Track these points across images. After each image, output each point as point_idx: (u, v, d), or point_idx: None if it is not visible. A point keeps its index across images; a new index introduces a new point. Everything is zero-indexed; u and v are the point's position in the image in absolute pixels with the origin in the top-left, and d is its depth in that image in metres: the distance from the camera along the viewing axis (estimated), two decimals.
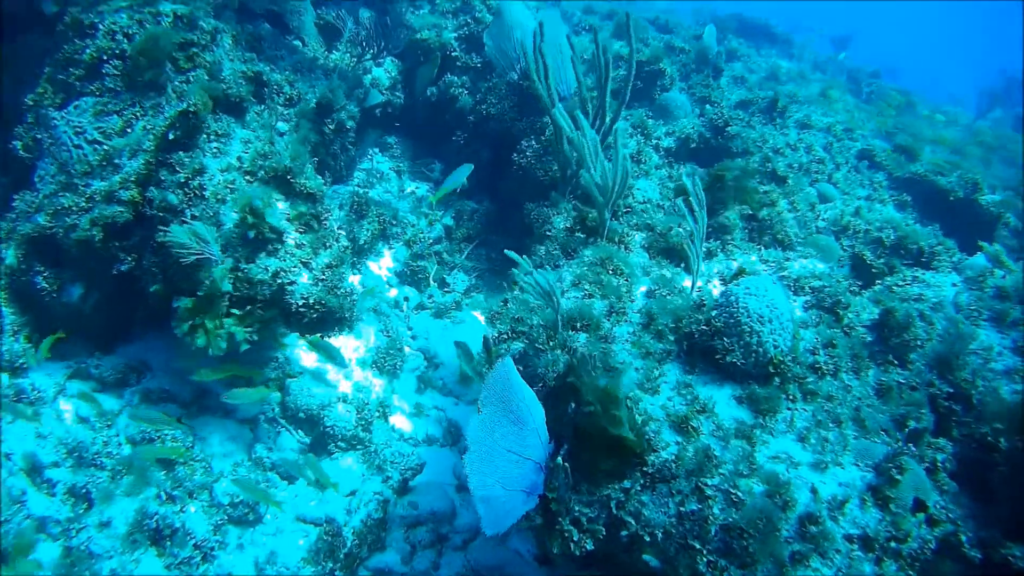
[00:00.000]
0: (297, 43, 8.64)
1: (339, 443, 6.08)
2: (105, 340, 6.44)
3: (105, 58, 5.95)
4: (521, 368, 4.28)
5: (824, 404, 4.69)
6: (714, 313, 4.53)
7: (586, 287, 5.10)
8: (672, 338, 4.79)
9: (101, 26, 6.04)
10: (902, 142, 9.15)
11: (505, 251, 4.45)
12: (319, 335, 5.90)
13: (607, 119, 6.78)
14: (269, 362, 6.49)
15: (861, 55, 15.86)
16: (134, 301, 6.15)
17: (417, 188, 8.80)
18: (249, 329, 5.40)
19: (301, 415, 6.24)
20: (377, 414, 6.35)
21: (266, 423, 6.26)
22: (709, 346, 4.57)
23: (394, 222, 8.01)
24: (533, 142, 7.74)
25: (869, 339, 5.67)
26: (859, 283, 6.93)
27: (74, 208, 5.59)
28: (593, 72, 7.01)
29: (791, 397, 4.60)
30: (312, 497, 5.88)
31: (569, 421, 3.90)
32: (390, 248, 7.97)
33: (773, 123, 8.69)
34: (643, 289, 5.41)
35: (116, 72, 5.94)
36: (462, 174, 6.79)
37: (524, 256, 6.07)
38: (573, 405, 3.94)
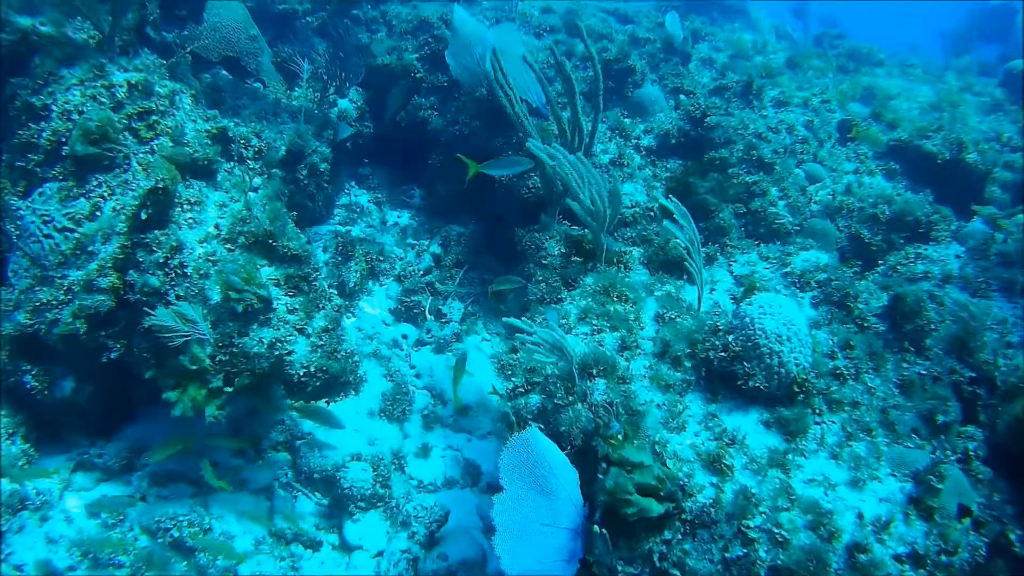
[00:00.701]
0: (257, 85, 8.41)
1: (359, 503, 5.92)
2: (106, 426, 6.25)
3: (63, 140, 5.71)
4: (542, 426, 4.14)
5: (851, 413, 4.58)
6: (731, 338, 4.40)
7: (594, 321, 4.95)
8: (689, 364, 4.67)
9: (54, 107, 5.79)
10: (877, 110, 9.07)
11: (504, 320, 4.25)
12: (325, 400, 5.71)
13: (585, 132, 6.62)
14: (275, 425, 6.34)
15: (824, 17, 15.78)
16: (131, 384, 5.96)
17: (400, 217, 8.61)
18: (220, 412, 5.22)
19: (316, 476, 6.09)
20: (393, 466, 6.20)
21: (281, 489, 6.11)
22: (730, 371, 4.44)
23: (381, 258, 7.83)
24: (513, 156, 7.55)
25: (882, 328, 5.57)
26: (859, 263, 6.82)
27: (53, 302, 5.36)
28: (563, 83, 6.81)
29: (817, 411, 4.49)
30: (340, 562, 5.73)
31: (601, 485, 3.76)
32: (381, 285, 7.80)
33: (751, 106, 8.54)
34: (651, 312, 5.28)
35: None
36: (514, 165, 6.52)
37: (521, 285, 5.97)
38: (604, 465, 3.79)
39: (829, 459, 4.28)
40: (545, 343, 3.98)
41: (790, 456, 4.17)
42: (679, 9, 11.16)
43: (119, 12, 6.29)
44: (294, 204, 7.27)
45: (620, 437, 3.82)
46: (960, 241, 6.81)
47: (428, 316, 7.52)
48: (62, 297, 5.40)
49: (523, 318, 4.65)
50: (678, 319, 4.99)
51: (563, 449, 3.93)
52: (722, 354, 4.42)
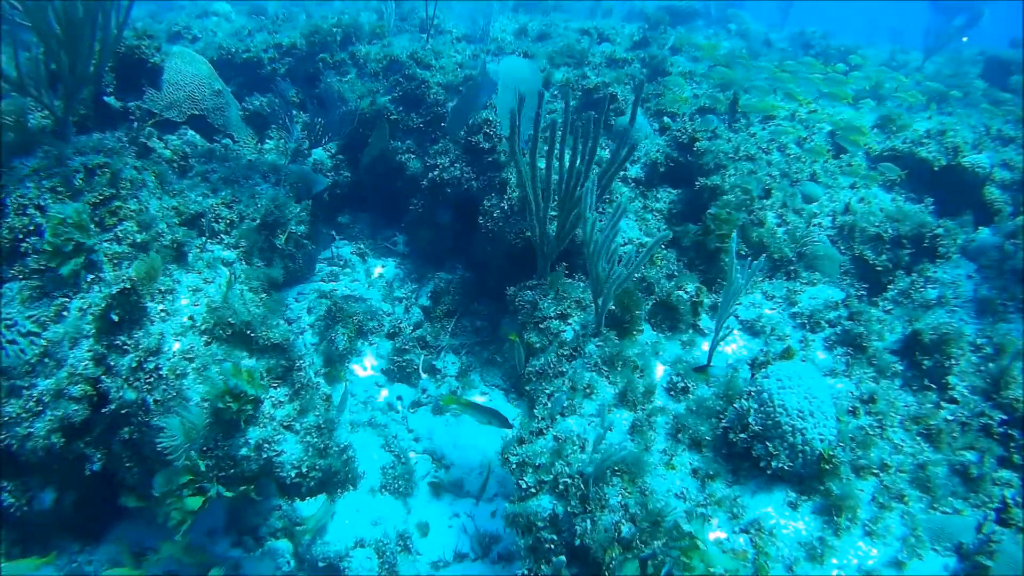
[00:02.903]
0: (227, 141, 8.07)
1: None
2: (95, 527, 5.92)
3: (21, 237, 5.37)
4: (555, 537, 3.83)
5: (881, 477, 4.30)
6: (750, 418, 4.09)
7: (599, 398, 4.63)
8: (708, 438, 4.36)
9: (8, 202, 5.44)
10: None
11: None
12: (328, 497, 5.37)
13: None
14: (272, 512, 6.03)
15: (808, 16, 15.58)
16: (117, 486, 5.62)
17: (384, 268, 8.28)
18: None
19: (320, 563, 5.77)
20: (399, 548, 5.88)
21: None
22: (751, 451, 4.13)
23: (369, 316, 7.49)
24: (497, 201, 7.24)
25: (900, 367, 5.30)
26: (865, 286, 6.56)
27: (24, 415, 5.02)
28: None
29: (844, 480, 4.19)
30: None
31: None
32: (371, 344, 7.47)
33: (737, 124, 8.24)
34: (661, 372, 4.99)
35: (37, 250, 5.36)
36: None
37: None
38: None
39: (864, 536, 3.99)
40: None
41: (826, 537, 3.87)
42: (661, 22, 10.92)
43: (72, 92, 5.95)
44: (272, 264, 6.92)
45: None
46: (970, 257, 6.54)
47: (422, 374, 7.20)
48: (33, 408, 5.06)
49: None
50: (692, 389, 4.69)
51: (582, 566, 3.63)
52: (742, 435, 4.11)
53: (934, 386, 5.16)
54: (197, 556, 5.65)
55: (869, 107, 9.33)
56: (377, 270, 8.26)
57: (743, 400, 4.19)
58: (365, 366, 7.31)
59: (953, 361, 5.23)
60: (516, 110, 5.57)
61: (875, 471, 4.32)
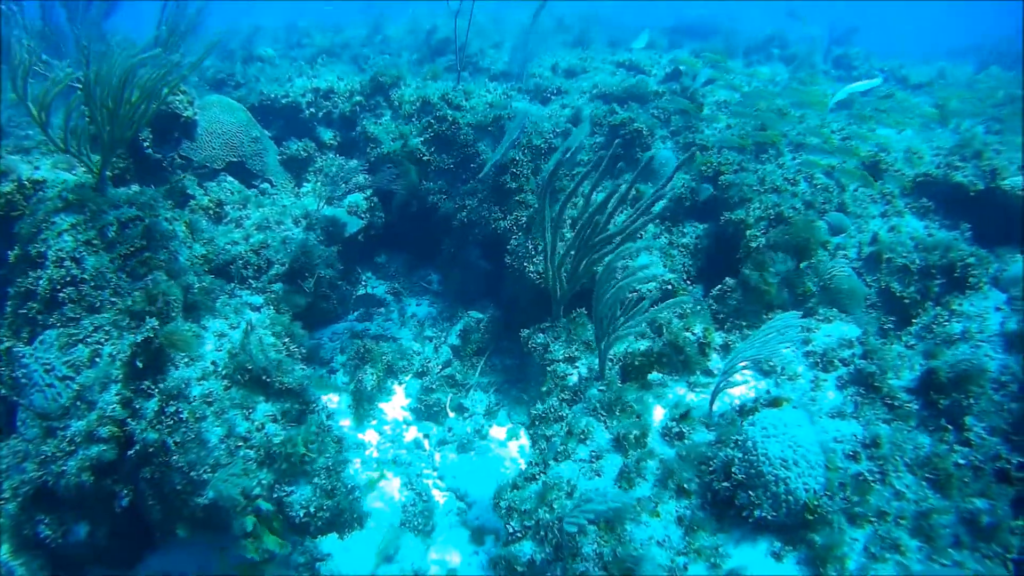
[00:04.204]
0: (265, 185, 8.42)
1: None
2: (128, 557, 6.20)
3: (59, 287, 5.74)
4: None
5: (877, 526, 4.20)
6: (734, 468, 4.06)
7: (593, 443, 4.67)
8: (695, 487, 4.33)
9: (49, 253, 5.84)
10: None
11: None
12: (337, 535, 5.54)
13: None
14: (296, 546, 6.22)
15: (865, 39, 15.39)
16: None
17: (419, 306, 8.47)
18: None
19: None
20: None
21: None
22: (735, 499, 4.10)
23: (399, 355, 7.68)
24: (523, 240, 7.36)
25: (915, 406, 5.15)
26: (892, 319, 6.40)
27: (58, 454, 5.35)
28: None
29: (837, 529, 4.11)
30: None
31: None
32: (400, 383, 7.63)
33: (765, 153, 8.16)
34: (660, 415, 4.99)
35: (73, 299, 5.73)
36: None
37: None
38: None
39: None
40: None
41: None
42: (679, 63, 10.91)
43: (109, 151, 6.31)
44: (305, 307, 7.16)
45: None
46: (1002, 287, 6.33)
47: (450, 414, 7.32)
48: (66, 448, 5.38)
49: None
50: (688, 434, 4.67)
51: None
52: (724, 483, 4.09)
53: (950, 427, 5.00)
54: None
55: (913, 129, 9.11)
56: (411, 309, 8.45)
57: (728, 448, 4.16)
58: (394, 405, 7.47)
59: (972, 400, 5.07)
60: (559, 162, 5.77)
61: (871, 519, 4.22)
